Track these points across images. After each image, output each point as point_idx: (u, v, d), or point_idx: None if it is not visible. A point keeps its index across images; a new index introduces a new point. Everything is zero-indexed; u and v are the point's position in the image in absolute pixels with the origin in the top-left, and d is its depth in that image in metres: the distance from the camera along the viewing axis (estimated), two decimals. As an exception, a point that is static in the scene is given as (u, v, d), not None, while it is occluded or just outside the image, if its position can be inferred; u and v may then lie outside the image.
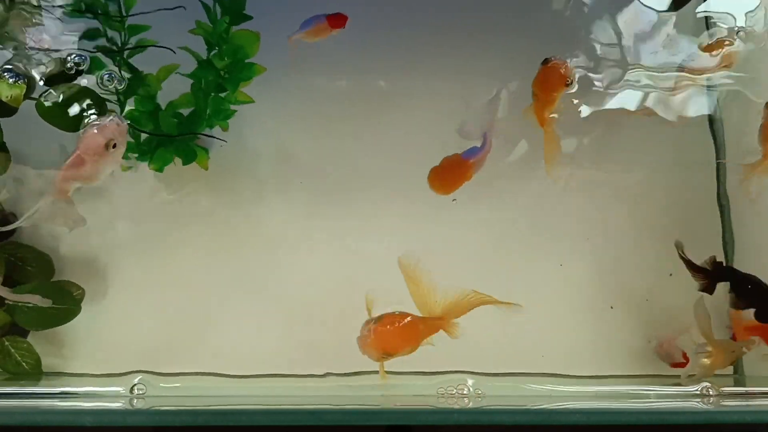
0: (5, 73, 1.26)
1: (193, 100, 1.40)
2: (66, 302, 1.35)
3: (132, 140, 1.40)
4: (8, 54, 1.30)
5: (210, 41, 1.37)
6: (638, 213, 1.53)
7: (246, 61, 1.38)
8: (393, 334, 1.15)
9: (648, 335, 1.47)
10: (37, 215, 1.17)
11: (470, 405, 1.31)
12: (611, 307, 1.49)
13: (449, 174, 1.33)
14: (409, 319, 1.18)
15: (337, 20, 1.38)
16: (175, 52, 1.35)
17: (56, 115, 1.25)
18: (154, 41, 1.36)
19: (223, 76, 1.39)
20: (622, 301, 1.49)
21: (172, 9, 1.33)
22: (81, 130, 1.18)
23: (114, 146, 1.14)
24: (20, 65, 1.28)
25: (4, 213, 1.37)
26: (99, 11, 1.32)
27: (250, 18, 1.37)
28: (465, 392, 1.36)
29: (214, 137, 1.45)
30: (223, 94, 1.40)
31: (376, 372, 1.34)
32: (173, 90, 1.41)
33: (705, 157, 1.56)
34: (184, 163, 1.42)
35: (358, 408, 1.28)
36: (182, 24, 1.36)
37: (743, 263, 1.50)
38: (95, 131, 1.14)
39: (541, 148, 1.50)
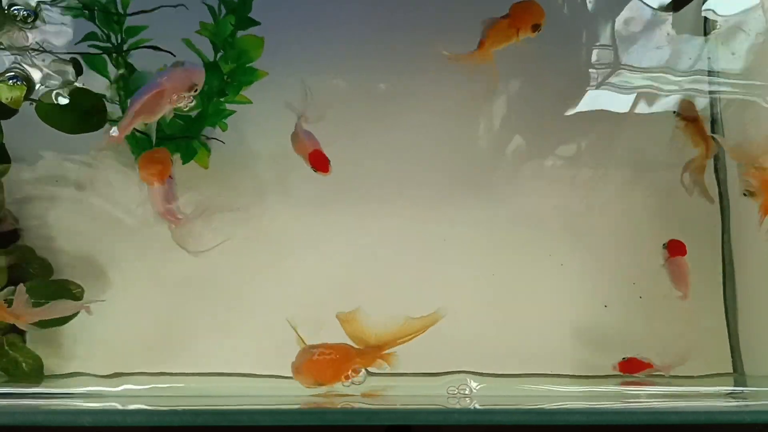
0: (5, 75, 1.26)
1: (198, 103, 1.40)
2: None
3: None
4: (8, 56, 1.30)
5: (216, 44, 1.37)
6: (638, 213, 1.54)
7: (248, 65, 1.38)
8: (326, 365, 1.15)
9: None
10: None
11: (471, 405, 1.31)
12: (605, 306, 1.49)
13: None
14: (342, 351, 1.18)
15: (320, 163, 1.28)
16: (174, 56, 1.35)
17: (56, 117, 1.25)
18: (149, 40, 1.35)
19: (226, 81, 1.39)
20: (622, 300, 1.50)
21: (174, 6, 1.32)
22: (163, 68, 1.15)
23: (195, 90, 1.14)
24: (20, 67, 1.29)
25: (7, 219, 1.38)
26: (96, 8, 1.32)
27: (257, 23, 1.36)
28: (466, 392, 1.36)
29: (214, 138, 1.45)
30: (223, 98, 1.41)
31: (376, 374, 1.35)
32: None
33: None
34: (184, 162, 1.42)
35: (358, 408, 1.28)
36: (183, 24, 1.36)
37: (743, 263, 1.50)
38: (185, 71, 1.13)
39: (541, 148, 1.51)
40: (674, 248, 1.36)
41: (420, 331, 1.21)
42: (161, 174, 1.20)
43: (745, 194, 1.33)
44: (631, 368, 1.38)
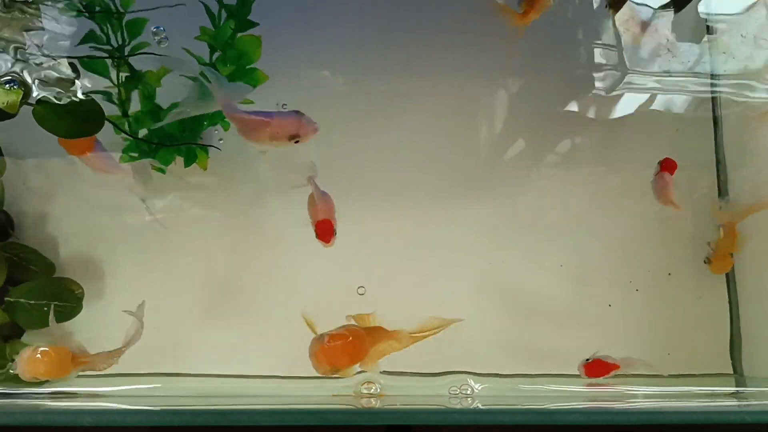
0: (2, 79, 1.26)
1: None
2: (67, 300, 1.35)
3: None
4: (6, 59, 1.30)
5: (214, 46, 1.37)
6: (638, 212, 1.53)
7: (248, 67, 1.38)
8: (341, 350, 1.13)
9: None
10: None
11: (472, 405, 1.31)
12: (609, 305, 1.49)
13: None
14: (355, 334, 1.16)
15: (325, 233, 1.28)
16: (174, 58, 1.35)
17: (52, 121, 1.25)
18: (148, 44, 1.36)
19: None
20: (620, 300, 1.50)
21: (172, 6, 1.32)
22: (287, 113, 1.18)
23: (296, 141, 1.17)
24: (17, 71, 1.28)
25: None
26: (97, 9, 1.32)
27: (256, 24, 1.36)
28: (468, 392, 1.36)
29: (210, 146, 1.45)
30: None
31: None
32: (175, 92, 1.42)
33: (705, 157, 1.56)
34: (186, 165, 1.43)
35: (358, 408, 1.28)
36: (183, 25, 1.36)
37: (743, 263, 1.50)
38: (297, 121, 1.16)
39: (540, 148, 1.51)
40: (665, 165, 1.39)
41: (434, 331, 1.21)
42: (89, 144, 1.30)
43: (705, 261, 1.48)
44: (597, 370, 1.35)
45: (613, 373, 1.35)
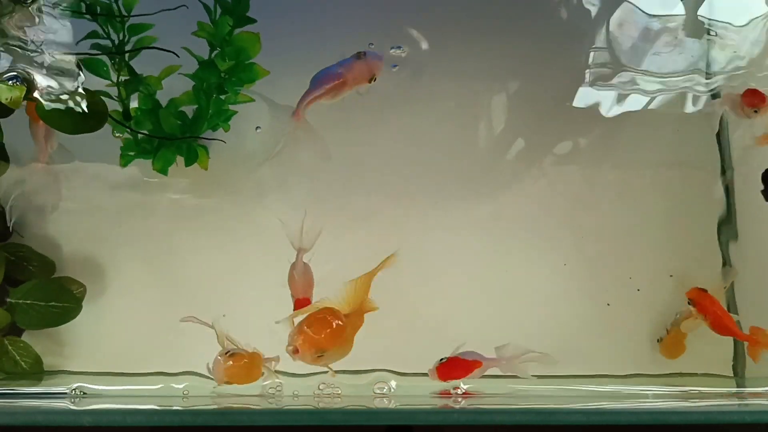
0: (5, 75, 1.26)
1: (195, 100, 1.41)
2: (67, 300, 1.35)
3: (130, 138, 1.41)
4: (8, 56, 1.30)
5: (213, 43, 1.37)
6: (638, 212, 1.53)
7: (247, 62, 1.38)
8: (320, 330, 1.10)
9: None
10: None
11: (466, 405, 1.31)
12: (608, 305, 1.49)
13: None
14: (331, 313, 1.13)
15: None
16: (178, 56, 1.35)
17: (56, 118, 1.25)
18: (154, 38, 1.36)
19: (224, 78, 1.39)
20: (620, 299, 1.49)
21: (174, 9, 1.33)
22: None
23: (374, 80, 1.24)
24: (20, 67, 1.28)
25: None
26: (99, 11, 1.32)
27: (254, 21, 1.36)
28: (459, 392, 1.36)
29: (214, 139, 1.45)
30: (223, 96, 1.41)
31: (375, 370, 1.35)
32: (175, 92, 1.42)
33: (706, 156, 1.56)
34: (187, 164, 1.43)
35: (358, 408, 1.28)
36: (184, 25, 1.36)
37: (743, 263, 1.50)
38: (366, 63, 1.23)
39: (542, 148, 1.51)
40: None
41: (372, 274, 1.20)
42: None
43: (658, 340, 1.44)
44: (453, 370, 1.26)
45: (476, 370, 1.26)
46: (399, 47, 1.46)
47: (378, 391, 1.38)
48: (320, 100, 1.26)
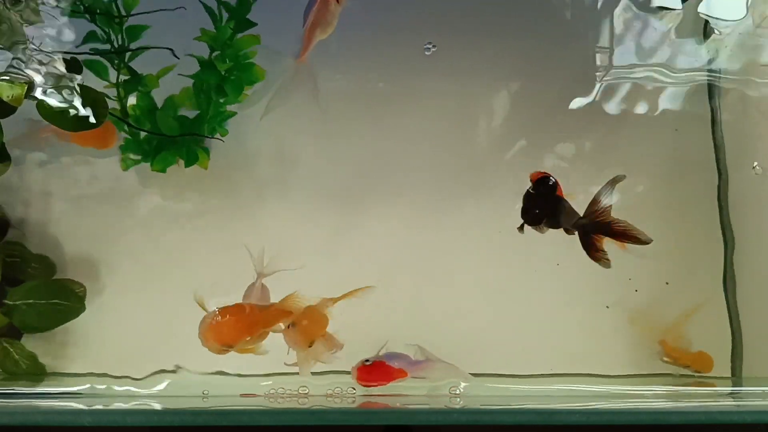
0: (5, 74, 1.26)
1: (194, 98, 1.41)
2: (68, 300, 1.34)
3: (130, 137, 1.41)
4: (9, 54, 1.30)
5: (214, 47, 1.38)
6: (637, 212, 1.53)
7: (246, 62, 1.39)
8: (230, 325, 1.14)
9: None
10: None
11: (463, 405, 1.31)
12: (607, 307, 1.49)
13: None
14: (247, 310, 1.17)
15: None
16: (179, 58, 1.35)
17: (57, 115, 1.25)
18: (152, 46, 1.36)
19: (224, 78, 1.39)
20: (619, 300, 1.49)
21: (173, 9, 1.33)
22: None
23: (338, 1, 1.28)
24: (21, 65, 1.28)
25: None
26: (98, 11, 1.32)
27: (254, 24, 1.37)
28: (457, 392, 1.36)
29: (213, 137, 1.45)
30: (222, 100, 1.41)
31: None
32: (174, 92, 1.42)
33: (705, 157, 1.56)
34: (187, 165, 1.43)
35: (358, 408, 1.28)
36: (183, 25, 1.36)
37: (743, 263, 1.50)
38: None
39: (541, 148, 1.50)
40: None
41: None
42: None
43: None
44: (373, 375, 1.22)
45: (398, 380, 1.23)
46: (431, 45, 1.48)
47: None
48: (317, 33, 1.29)
